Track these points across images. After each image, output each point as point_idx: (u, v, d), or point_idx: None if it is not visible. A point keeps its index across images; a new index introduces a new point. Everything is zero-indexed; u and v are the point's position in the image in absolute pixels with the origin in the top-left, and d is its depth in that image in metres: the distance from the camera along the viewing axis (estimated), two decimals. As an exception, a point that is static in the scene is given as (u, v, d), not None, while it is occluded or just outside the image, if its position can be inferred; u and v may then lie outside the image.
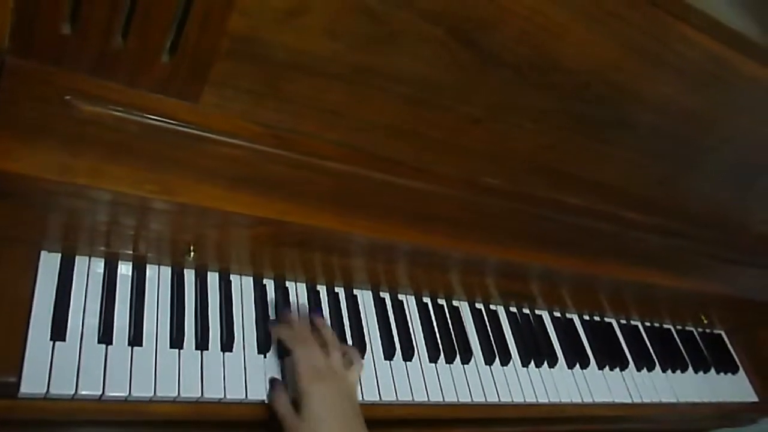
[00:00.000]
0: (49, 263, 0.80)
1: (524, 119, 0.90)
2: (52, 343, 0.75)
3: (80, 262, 0.83)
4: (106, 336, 0.79)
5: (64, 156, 0.69)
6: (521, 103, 0.87)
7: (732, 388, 1.47)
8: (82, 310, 0.80)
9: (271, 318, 0.93)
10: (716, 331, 1.56)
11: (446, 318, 1.11)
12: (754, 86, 0.93)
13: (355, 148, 0.86)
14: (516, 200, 1.01)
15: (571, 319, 1.29)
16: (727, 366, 1.49)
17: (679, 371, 1.38)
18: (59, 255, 0.81)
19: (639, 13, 0.79)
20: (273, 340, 0.90)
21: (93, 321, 0.80)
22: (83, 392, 0.74)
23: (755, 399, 1.49)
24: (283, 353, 0.89)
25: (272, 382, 0.86)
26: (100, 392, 0.75)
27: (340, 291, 1.02)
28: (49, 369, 0.74)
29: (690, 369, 1.40)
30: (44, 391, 0.72)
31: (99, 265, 0.84)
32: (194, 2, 0.65)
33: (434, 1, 0.72)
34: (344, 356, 0.88)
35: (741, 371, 1.51)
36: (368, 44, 0.74)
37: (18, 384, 0.71)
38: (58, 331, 0.76)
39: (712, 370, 1.45)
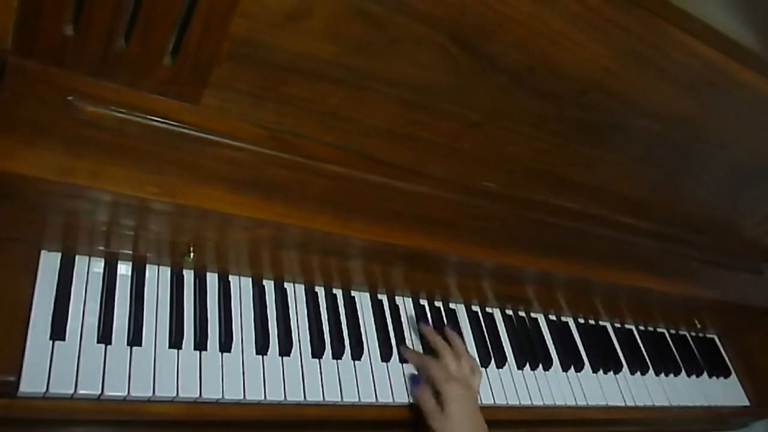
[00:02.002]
0: (49, 263, 0.80)
1: (521, 124, 0.91)
2: (51, 342, 0.76)
3: (80, 262, 0.83)
4: (105, 336, 0.79)
5: (65, 157, 0.69)
6: (519, 108, 0.88)
7: (724, 391, 1.48)
8: (81, 310, 0.80)
9: (269, 319, 0.94)
10: (709, 336, 1.58)
11: (443, 320, 1.12)
12: (749, 94, 0.95)
13: (354, 151, 0.86)
14: (512, 204, 1.02)
15: (567, 323, 1.30)
16: (719, 370, 1.50)
17: (672, 375, 1.39)
18: (59, 255, 0.81)
19: (636, 20, 0.80)
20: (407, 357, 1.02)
21: (92, 321, 0.80)
22: (82, 392, 0.75)
23: (747, 403, 1.50)
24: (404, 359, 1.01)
25: (414, 380, 0.97)
26: (99, 392, 0.76)
27: (338, 293, 1.03)
28: (49, 368, 0.74)
29: (683, 373, 1.41)
30: (43, 390, 0.72)
31: (99, 265, 0.84)
32: (197, 5, 0.66)
33: (434, 7, 0.73)
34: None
35: (733, 375, 1.52)
36: (368, 48, 0.75)
37: (17, 383, 0.71)
38: (58, 331, 0.76)
39: (705, 374, 1.46)
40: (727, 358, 1.55)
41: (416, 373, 1.01)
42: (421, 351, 1.05)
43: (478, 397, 1.00)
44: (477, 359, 1.10)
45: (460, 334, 1.07)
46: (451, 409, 0.89)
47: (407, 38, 0.75)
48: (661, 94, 0.92)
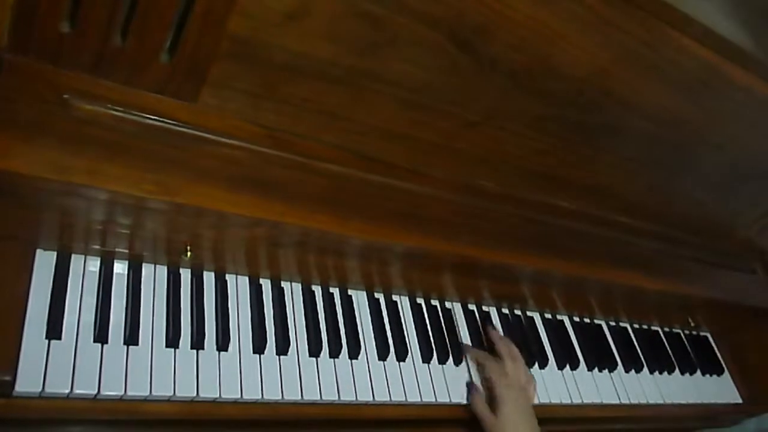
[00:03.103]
0: (44, 261, 0.80)
1: (519, 124, 0.91)
2: (47, 341, 0.75)
3: (76, 260, 0.83)
4: (101, 335, 0.79)
5: (61, 155, 0.69)
6: (516, 109, 0.88)
7: (717, 389, 1.49)
8: (77, 309, 0.80)
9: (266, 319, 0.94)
10: (702, 334, 1.58)
11: (439, 319, 1.12)
12: (745, 95, 0.95)
13: (353, 150, 0.86)
14: (509, 204, 1.02)
15: (562, 321, 1.30)
16: (712, 368, 1.51)
17: (666, 373, 1.39)
18: (55, 253, 0.81)
19: (634, 21, 0.80)
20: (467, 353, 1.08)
21: (88, 320, 0.80)
22: (78, 391, 0.74)
23: (739, 400, 1.51)
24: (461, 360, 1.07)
25: (470, 386, 1.03)
26: (96, 391, 0.75)
27: (335, 291, 1.03)
28: (45, 368, 0.73)
29: (677, 371, 1.42)
30: (39, 389, 0.72)
31: (95, 264, 0.84)
32: (195, 3, 0.66)
33: (433, 6, 0.72)
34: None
35: (726, 373, 1.53)
36: (367, 48, 0.75)
37: (13, 383, 0.70)
38: (54, 330, 0.76)
39: (698, 372, 1.47)
40: (720, 356, 1.56)
41: (473, 377, 1.05)
42: (419, 353, 1.05)
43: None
44: (473, 358, 1.11)
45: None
46: (505, 411, 0.94)
47: (406, 38, 0.75)
48: (659, 95, 0.92)
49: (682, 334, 1.53)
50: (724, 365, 1.54)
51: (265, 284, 0.96)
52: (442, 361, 1.06)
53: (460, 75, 0.81)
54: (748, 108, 0.99)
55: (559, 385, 1.18)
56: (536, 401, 1.12)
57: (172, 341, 0.83)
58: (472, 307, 1.18)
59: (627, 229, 1.19)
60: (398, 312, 1.08)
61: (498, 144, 0.93)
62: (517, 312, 1.24)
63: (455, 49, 0.78)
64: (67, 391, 0.74)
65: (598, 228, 1.15)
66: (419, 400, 0.99)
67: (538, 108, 0.89)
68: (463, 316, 1.16)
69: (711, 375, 1.50)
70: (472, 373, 1.08)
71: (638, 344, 1.40)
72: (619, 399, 1.25)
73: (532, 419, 0.97)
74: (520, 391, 1.00)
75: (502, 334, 1.15)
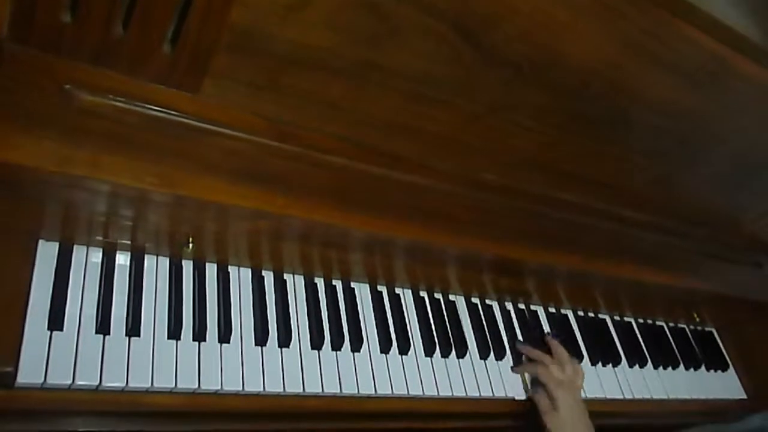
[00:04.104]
0: (46, 252, 0.80)
1: (523, 116, 0.90)
2: (49, 332, 0.75)
3: (78, 251, 0.82)
4: (103, 326, 0.79)
5: (63, 146, 0.68)
6: (521, 101, 0.87)
7: (721, 385, 1.48)
8: (79, 300, 0.80)
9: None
10: (708, 329, 1.58)
11: (442, 312, 1.11)
12: (753, 87, 0.94)
13: (355, 142, 0.86)
14: (514, 197, 1.01)
15: (566, 315, 1.30)
16: (717, 363, 1.50)
17: (670, 368, 1.39)
18: (57, 244, 0.81)
19: (640, 11, 0.79)
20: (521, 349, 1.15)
21: (90, 311, 0.80)
22: (80, 382, 0.74)
23: (744, 396, 1.50)
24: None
25: (536, 387, 1.10)
26: (97, 382, 0.75)
27: (338, 284, 1.03)
28: (46, 359, 0.74)
29: (681, 366, 1.41)
30: (41, 381, 0.72)
31: (97, 255, 0.84)
32: (196, -7, 0.65)
33: (437, -3, 0.71)
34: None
35: (731, 368, 1.53)
36: (369, 39, 0.74)
37: (15, 374, 0.71)
38: (56, 321, 0.76)
39: (703, 368, 1.46)
40: (725, 352, 1.55)
41: None
42: (422, 346, 1.05)
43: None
44: (477, 352, 1.10)
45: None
46: (562, 409, 1.04)
47: (409, 29, 0.74)
48: (665, 87, 0.91)
49: (687, 329, 1.52)
50: (729, 360, 1.53)
51: (268, 276, 0.96)
52: (445, 354, 1.06)
53: (465, 66, 0.80)
54: (755, 100, 0.98)
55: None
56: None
57: (174, 333, 0.83)
58: (475, 300, 1.17)
59: (632, 223, 1.18)
60: (401, 305, 1.07)
61: (503, 136, 0.92)
62: (521, 306, 1.23)
63: (459, 40, 0.77)
64: (69, 382, 0.74)
65: (604, 221, 1.14)
66: (421, 393, 0.99)
67: (543, 100, 0.88)
68: (466, 310, 1.15)
69: (716, 370, 1.49)
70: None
71: (642, 339, 1.39)
72: (623, 394, 1.25)
73: (585, 416, 1.07)
74: (572, 390, 1.08)
75: (502, 325, 1.15)
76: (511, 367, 1.14)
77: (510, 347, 1.15)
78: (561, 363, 1.10)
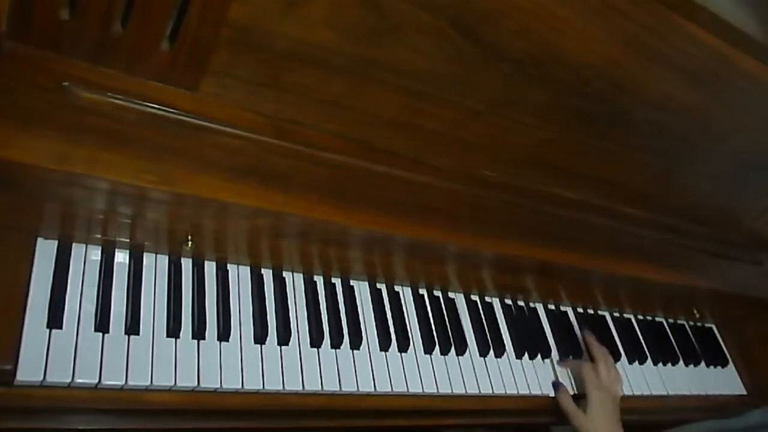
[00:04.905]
0: (45, 250, 0.79)
1: (524, 113, 0.90)
2: (48, 330, 0.75)
3: (77, 249, 0.82)
4: (102, 324, 0.79)
5: (61, 144, 0.68)
6: (521, 98, 0.87)
7: (721, 380, 1.48)
8: (78, 298, 0.79)
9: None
10: (707, 325, 1.58)
11: (442, 310, 1.11)
12: (753, 84, 0.94)
13: (355, 139, 0.85)
14: (513, 194, 1.01)
15: (566, 312, 1.29)
16: (716, 359, 1.50)
17: (670, 364, 1.39)
18: (56, 242, 0.81)
19: (641, 8, 0.79)
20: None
21: (89, 309, 0.79)
22: (79, 380, 0.74)
23: (743, 392, 1.51)
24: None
25: (557, 385, 1.13)
26: (97, 380, 0.75)
27: (337, 282, 1.02)
28: (46, 357, 0.73)
29: (681, 362, 1.41)
30: (40, 379, 0.72)
31: (96, 253, 0.84)
32: (195, -10, 0.65)
33: (437, -6, 0.71)
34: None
35: (730, 364, 1.53)
36: (370, 36, 0.74)
37: (14, 372, 0.70)
38: (55, 319, 0.76)
39: (702, 364, 1.46)
40: (724, 348, 1.55)
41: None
42: (421, 344, 1.05)
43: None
44: (476, 349, 1.10)
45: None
46: (595, 412, 1.04)
47: (409, 26, 0.74)
48: (665, 84, 0.91)
49: (686, 326, 1.52)
50: (728, 357, 1.53)
51: (267, 274, 0.96)
52: (444, 352, 1.06)
53: (464, 63, 0.80)
54: (756, 97, 0.98)
55: (563, 376, 1.18)
56: (539, 392, 1.12)
57: (173, 331, 0.83)
58: (475, 297, 1.17)
59: (633, 220, 1.18)
60: (400, 302, 1.07)
61: (502, 133, 0.92)
62: (521, 303, 1.23)
63: (459, 37, 0.76)
64: (68, 380, 0.74)
65: (604, 218, 1.14)
66: (421, 390, 0.99)
67: (543, 97, 0.88)
68: (466, 307, 1.15)
69: (715, 366, 1.49)
70: (556, 370, 1.17)
71: (642, 335, 1.39)
72: (622, 390, 1.24)
73: (618, 422, 1.07)
74: (610, 394, 1.09)
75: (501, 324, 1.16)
76: (557, 361, 1.17)
77: (511, 344, 1.15)
78: (606, 365, 1.13)
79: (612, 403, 1.09)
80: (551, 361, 1.19)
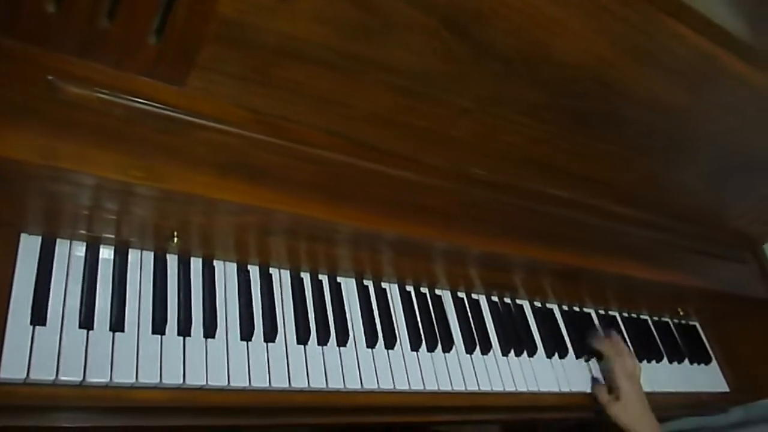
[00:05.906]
0: (29, 246, 0.78)
1: (514, 112, 0.90)
2: (32, 327, 0.74)
3: (61, 245, 0.81)
4: (87, 321, 0.78)
5: (47, 139, 0.67)
6: (511, 96, 0.87)
7: (704, 378, 1.50)
8: (63, 295, 0.78)
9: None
10: (691, 323, 1.59)
11: (429, 307, 1.11)
12: (742, 86, 0.94)
13: (344, 136, 0.85)
14: (502, 192, 1.01)
15: (551, 309, 1.30)
16: (700, 357, 1.52)
17: (654, 361, 1.40)
18: (40, 238, 0.79)
19: (632, 9, 0.79)
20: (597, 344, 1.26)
21: (74, 305, 0.79)
22: (64, 378, 0.73)
23: (726, 389, 1.52)
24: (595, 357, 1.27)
25: (594, 381, 1.23)
26: (81, 378, 0.75)
27: (324, 279, 1.02)
28: (29, 354, 0.72)
29: (665, 359, 1.43)
30: (24, 376, 0.71)
31: (80, 249, 0.83)
32: (183, -17, 0.64)
33: (428, -9, 0.71)
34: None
35: (714, 362, 1.54)
36: (359, 33, 0.74)
37: (-3, 369, 0.70)
38: (38, 316, 0.75)
39: (686, 361, 1.48)
40: (708, 345, 1.57)
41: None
42: (408, 341, 1.05)
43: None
44: (463, 346, 1.11)
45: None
46: (627, 399, 1.16)
47: (400, 23, 0.73)
48: (654, 84, 0.92)
49: (670, 323, 1.54)
50: (711, 354, 1.55)
51: (254, 271, 0.95)
52: (431, 348, 1.06)
53: (455, 61, 0.80)
54: (743, 98, 0.98)
55: (548, 373, 1.19)
56: (525, 389, 1.13)
57: (159, 328, 0.83)
58: (461, 294, 1.17)
59: (620, 219, 1.19)
60: (387, 299, 1.07)
61: (492, 132, 0.92)
62: (507, 300, 1.24)
63: (450, 35, 0.76)
64: (52, 377, 0.73)
65: (592, 217, 1.14)
66: (407, 387, 0.99)
67: (533, 95, 0.88)
68: (452, 304, 1.15)
69: (699, 363, 1.51)
70: (591, 366, 1.26)
71: (627, 333, 1.40)
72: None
73: (645, 407, 1.18)
74: (636, 382, 1.20)
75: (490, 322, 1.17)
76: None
77: (497, 341, 1.15)
78: (632, 358, 1.22)
79: (641, 390, 1.20)
80: (538, 358, 1.19)
